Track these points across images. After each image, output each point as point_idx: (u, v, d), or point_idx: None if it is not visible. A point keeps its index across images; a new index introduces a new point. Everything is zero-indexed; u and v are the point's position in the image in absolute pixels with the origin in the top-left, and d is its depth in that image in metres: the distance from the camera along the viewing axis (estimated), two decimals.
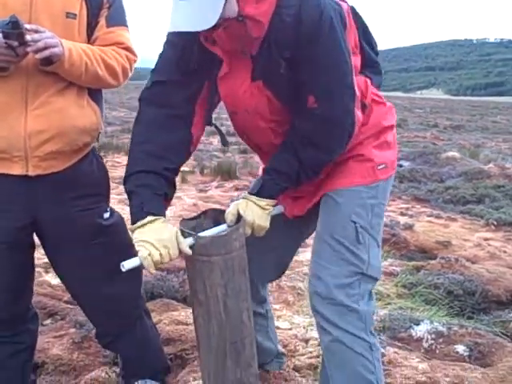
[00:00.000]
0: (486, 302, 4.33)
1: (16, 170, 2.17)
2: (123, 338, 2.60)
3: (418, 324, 3.47)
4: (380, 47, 2.35)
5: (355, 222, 2.08)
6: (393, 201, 7.96)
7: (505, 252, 5.68)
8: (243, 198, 2.08)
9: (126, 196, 2.03)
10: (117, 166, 9.81)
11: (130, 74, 2.37)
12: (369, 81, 2.19)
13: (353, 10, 2.14)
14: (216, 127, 2.27)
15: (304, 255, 4.79)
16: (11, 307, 2.42)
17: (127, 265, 1.87)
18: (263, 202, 2.04)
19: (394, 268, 4.84)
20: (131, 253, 2.54)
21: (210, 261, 1.90)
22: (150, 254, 1.83)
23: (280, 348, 2.95)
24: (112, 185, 2.58)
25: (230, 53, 1.95)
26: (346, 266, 2.07)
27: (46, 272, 4.22)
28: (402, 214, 7.23)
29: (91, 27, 2.27)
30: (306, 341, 3.25)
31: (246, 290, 2.03)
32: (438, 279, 4.50)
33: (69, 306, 3.68)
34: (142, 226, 1.89)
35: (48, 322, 3.50)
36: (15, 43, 1.94)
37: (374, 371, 2.10)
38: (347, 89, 1.94)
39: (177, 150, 2.05)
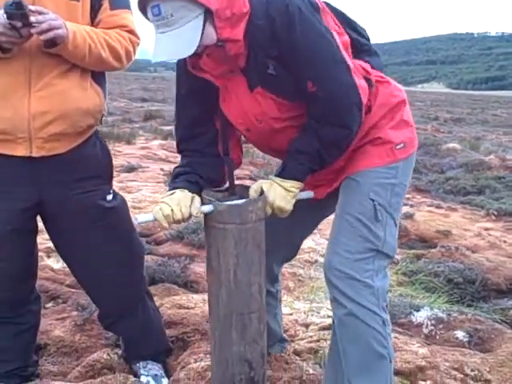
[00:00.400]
0: (485, 291, 4.36)
1: (20, 151, 2.18)
2: (125, 319, 2.62)
3: (418, 310, 3.49)
4: (380, 40, 2.40)
5: (373, 200, 2.11)
6: None
7: (505, 242, 5.70)
8: (269, 179, 2.13)
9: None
10: (117, 154, 9.80)
11: (134, 57, 2.38)
12: (368, 65, 2.20)
13: (326, 4, 2.16)
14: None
15: (305, 242, 4.80)
16: (16, 290, 2.45)
17: (140, 218, 2.02)
18: (288, 184, 2.07)
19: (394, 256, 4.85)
20: (134, 236, 2.59)
21: (224, 228, 2.00)
22: (161, 209, 2.01)
23: (284, 335, 2.97)
24: None
25: (221, 76, 2.04)
26: (362, 243, 2.10)
27: (48, 256, 4.25)
28: (403, 204, 7.23)
29: (95, 10, 2.28)
30: (307, 326, 3.27)
31: (258, 264, 2.07)
32: (438, 267, 4.52)
33: (71, 289, 3.70)
34: (165, 196, 2.09)
35: (50, 305, 3.52)
36: (19, 24, 1.94)
37: (386, 346, 2.14)
38: (338, 64, 1.96)
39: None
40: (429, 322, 3.38)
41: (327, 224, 2.79)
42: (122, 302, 2.59)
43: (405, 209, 6.76)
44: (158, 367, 2.72)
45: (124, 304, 2.60)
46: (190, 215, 2.04)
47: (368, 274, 2.10)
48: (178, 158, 2.30)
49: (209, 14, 1.84)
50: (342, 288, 2.10)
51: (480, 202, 7.39)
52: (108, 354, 2.80)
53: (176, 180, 2.17)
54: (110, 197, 2.44)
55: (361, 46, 2.25)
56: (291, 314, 3.43)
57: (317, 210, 2.44)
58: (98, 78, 2.34)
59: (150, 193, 6.50)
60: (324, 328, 3.14)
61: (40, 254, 3.46)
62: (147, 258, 3.69)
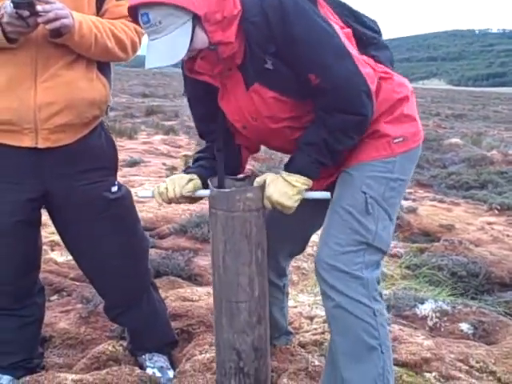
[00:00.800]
0: (489, 284, 4.37)
1: (26, 142, 2.18)
2: (131, 310, 2.62)
3: (422, 303, 3.49)
4: (382, 37, 2.33)
5: (365, 193, 2.07)
6: None
7: (508, 236, 5.71)
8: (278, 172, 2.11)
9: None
10: (120, 149, 9.74)
11: (139, 48, 2.37)
12: (372, 60, 2.16)
13: None
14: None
15: None
16: (19, 282, 2.44)
17: (140, 193, 2.30)
18: (292, 178, 2.03)
19: (397, 250, 4.86)
20: (138, 227, 2.59)
21: (216, 213, 2.08)
22: (158, 187, 2.21)
23: (289, 328, 2.98)
24: None
25: (219, 75, 2.04)
26: (351, 235, 2.08)
27: (52, 250, 4.25)
28: (405, 199, 7.24)
29: (100, 0, 2.27)
30: (311, 318, 3.27)
31: (248, 255, 2.07)
32: (441, 261, 4.52)
33: (75, 282, 3.70)
34: None
35: (54, 297, 3.52)
36: (26, 13, 1.93)
37: (377, 336, 2.11)
38: (339, 53, 1.94)
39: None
40: (433, 315, 3.38)
41: None
42: (127, 294, 2.59)
43: (407, 203, 6.78)
44: (164, 359, 2.72)
45: (129, 295, 2.60)
46: (183, 196, 2.16)
47: (357, 267, 2.07)
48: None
49: (198, 19, 1.84)
50: (331, 281, 2.08)
51: (483, 197, 7.40)
52: (113, 346, 2.80)
53: (192, 166, 2.29)
54: (114, 188, 2.44)
55: (367, 39, 2.22)
56: (296, 307, 3.44)
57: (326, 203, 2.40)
58: (104, 68, 2.34)
59: (153, 187, 6.47)
60: None
61: (44, 247, 3.47)
62: (151, 251, 3.69)
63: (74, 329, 3.03)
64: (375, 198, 2.09)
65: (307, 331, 3.09)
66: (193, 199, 2.23)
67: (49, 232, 4.19)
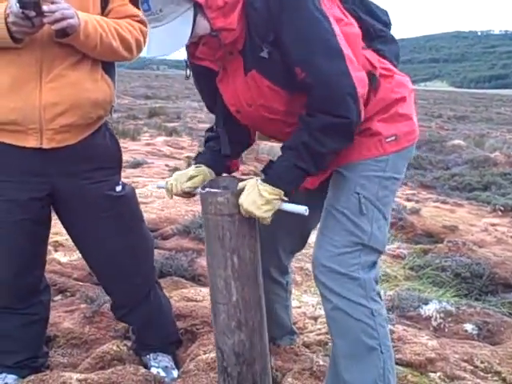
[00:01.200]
0: (493, 285, 4.34)
1: (31, 142, 2.18)
2: (137, 308, 2.63)
3: (426, 303, 3.49)
4: (391, 29, 2.30)
5: (359, 194, 2.06)
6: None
7: (511, 237, 5.69)
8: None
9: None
10: (123, 150, 9.75)
11: (144, 47, 2.38)
12: (375, 55, 2.13)
13: None
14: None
15: (312, 237, 4.79)
16: (26, 279, 2.44)
17: (159, 184, 2.40)
18: (265, 188, 1.92)
19: (401, 251, 4.85)
20: (143, 226, 2.60)
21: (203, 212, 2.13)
22: (166, 182, 2.26)
23: (294, 327, 2.97)
24: None
25: (220, 59, 2.03)
26: (347, 236, 2.07)
27: (56, 250, 4.25)
28: (409, 200, 7.24)
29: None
30: (315, 318, 3.28)
31: (222, 259, 2.03)
32: (445, 262, 4.50)
33: (78, 282, 3.71)
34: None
35: (58, 297, 3.52)
36: (32, 13, 1.93)
37: (376, 336, 2.10)
38: (330, 50, 1.87)
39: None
40: (437, 315, 3.38)
41: None
42: (133, 291, 2.60)
43: (410, 204, 6.77)
44: (168, 359, 2.72)
45: (135, 293, 2.61)
46: (184, 192, 2.21)
47: (353, 269, 2.07)
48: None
49: (199, 7, 1.82)
50: (327, 283, 2.08)
51: (486, 198, 7.38)
52: (117, 346, 2.80)
53: (202, 152, 2.36)
54: (119, 187, 2.45)
55: (375, 32, 2.18)
56: (299, 307, 3.45)
57: (320, 198, 2.32)
58: (109, 69, 2.34)
59: (156, 188, 6.48)
60: None
61: (48, 247, 3.47)
62: (156, 251, 3.68)
63: (78, 328, 3.03)
64: (369, 198, 2.08)
65: (311, 331, 3.09)
66: (194, 195, 2.27)
67: (52, 232, 4.16)
